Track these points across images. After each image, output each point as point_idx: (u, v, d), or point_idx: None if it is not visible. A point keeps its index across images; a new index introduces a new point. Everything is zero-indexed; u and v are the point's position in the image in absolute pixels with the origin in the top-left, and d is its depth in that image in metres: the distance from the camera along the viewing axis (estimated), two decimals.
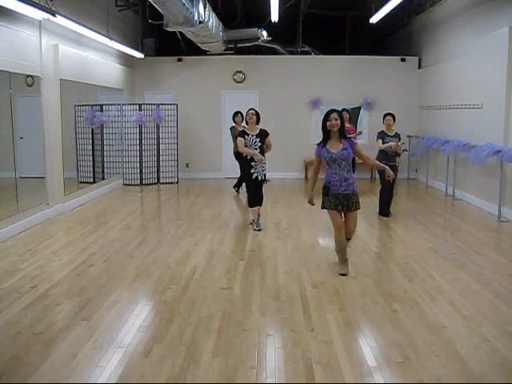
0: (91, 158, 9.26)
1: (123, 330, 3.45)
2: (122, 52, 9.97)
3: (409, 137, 10.80)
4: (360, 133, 10.28)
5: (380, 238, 6.36)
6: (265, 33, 10.71)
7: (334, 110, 4.58)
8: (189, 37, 9.06)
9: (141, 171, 10.34)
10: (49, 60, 7.06)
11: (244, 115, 7.20)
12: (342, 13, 11.58)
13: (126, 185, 10.31)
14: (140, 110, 10.20)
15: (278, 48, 11.59)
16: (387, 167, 4.89)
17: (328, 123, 4.53)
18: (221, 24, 9.84)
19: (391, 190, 7.28)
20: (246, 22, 11.23)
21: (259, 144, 6.32)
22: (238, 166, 8.41)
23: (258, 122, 6.50)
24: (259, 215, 6.62)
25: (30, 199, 6.69)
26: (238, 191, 9.27)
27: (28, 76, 6.74)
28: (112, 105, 9.98)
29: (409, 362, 3.00)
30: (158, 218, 7.68)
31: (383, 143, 7.03)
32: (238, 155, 8.09)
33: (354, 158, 4.85)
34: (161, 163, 10.59)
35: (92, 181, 9.12)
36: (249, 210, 6.83)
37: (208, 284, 4.40)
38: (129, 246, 5.65)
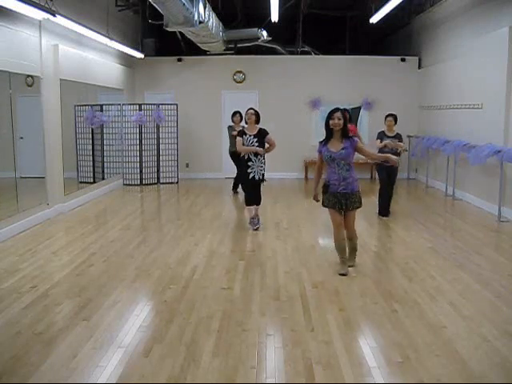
0: (91, 158, 9.26)
1: (123, 330, 3.46)
2: (122, 52, 9.97)
3: (409, 137, 10.80)
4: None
5: (380, 237, 6.36)
6: (265, 33, 10.71)
7: (338, 109, 4.57)
8: (189, 37, 9.06)
9: (141, 171, 10.35)
10: (49, 60, 7.06)
11: (243, 115, 7.22)
12: (342, 13, 11.58)
13: (126, 185, 10.31)
14: (140, 109, 10.20)
15: (278, 48, 11.59)
16: (388, 154, 4.84)
17: (331, 122, 4.53)
18: (221, 24, 9.84)
19: (391, 189, 7.29)
20: (246, 22, 11.23)
21: (256, 144, 6.31)
22: (235, 165, 8.60)
23: (257, 121, 6.49)
24: (258, 215, 6.61)
25: (29, 199, 6.69)
26: (236, 192, 9.27)
27: (28, 76, 6.74)
28: (112, 105, 9.98)
29: (409, 362, 3.00)
30: (157, 218, 7.68)
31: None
32: (234, 155, 8.29)
33: None
34: (161, 163, 10.59)
35: (92, 181, 9.12)
36: (245, 208, 6.79)
37: (208, 284, 4.40)
38: (129, 246, 5.65)
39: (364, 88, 11.18)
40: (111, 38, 8.42)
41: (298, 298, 4.06)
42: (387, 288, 4.29)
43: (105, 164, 9.90)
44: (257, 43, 11.03)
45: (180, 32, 9.74)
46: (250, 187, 6.53)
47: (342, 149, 4.52)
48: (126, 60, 10.73)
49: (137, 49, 10.27)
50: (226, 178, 10.80)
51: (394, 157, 4.90)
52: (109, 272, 4.74)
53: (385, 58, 11.33)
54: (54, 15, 6.03)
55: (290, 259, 5.17)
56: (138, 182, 10.33)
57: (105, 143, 9.91)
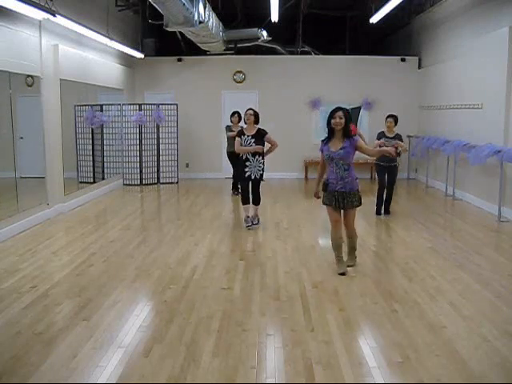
0: (91, 158, 9.26)
1: (123, 330, 3.46)
2: (122, 52, 9.98)
3: (409, 137, 10.80)
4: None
5: (380, 237, 6.36)
6: (265, 33, 10.71)
7: (339, 109, 4.59)
8: (189, 37, 9.06)
9: (141, 171, 10.34)
10: (49, 60, 7.06)
11: (242, 115, 7.26)
12: (342, 13, 11.58)
13: (126, 185, 10.31)
14: (140, 110, 10.20)
15: (278, 48, 11.59)
16: (384, 148, 4.81)
17: (332, 121, 4.54)
18: (221, 24, 9.84)
19: (391, 189, 7.31)
20: (246, 22, 11.23)
21: (253, 145, 6.34)
22: (231, 165, 8.80)
23: (256, 122, 6.52)
24: (258, 215, 6.66)
25: (29, 199, 6.69)
26: (236, 192, 9.25)
27: (28, 76, 6.74)
28: (112, 105, 9.98)
29: (409, 362, 3.00)
30: (157, 218, 7.68)
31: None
32: (232, 155, 8.33)
33: None
34: (161, 163, 10.59)
35: (92, 181, 9.12)
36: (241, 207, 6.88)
37: (208, 284, 4.40)
38: (129, 246, 5.65)
39: (364, 88, 11.18)
40: (111, 38, 8.42)
41: (297, 298, 4.06)
42: (387, 288, 4.29)
43: (105, 164, 9.90)
44: (257, 43, 11.04)
45: (180, 32, 9.74)
46: (246, 186, 6.56)
47: (341, 148, 4.54)
48: (126, 60, 10.73)
49: (137, 49, 10.27)
50: (226, 177, 10.79)
51: (389, 148, 4.88)
52: (109, 272, 4.74)
53: (385, 58, 11.33)
54: (54, 15, 6.03)
55: (290, 259, 5.17)
56: (138, 182, 10.33)
57: (105, 143, 9.91)
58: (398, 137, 7.16)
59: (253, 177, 6.44)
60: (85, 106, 8.88)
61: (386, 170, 7.29)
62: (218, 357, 3.07)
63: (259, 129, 6.47)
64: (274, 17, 9.08)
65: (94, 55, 8.90)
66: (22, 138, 6.71)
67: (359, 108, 11.42)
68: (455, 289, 4.27)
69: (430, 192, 9.59)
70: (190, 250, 5.49)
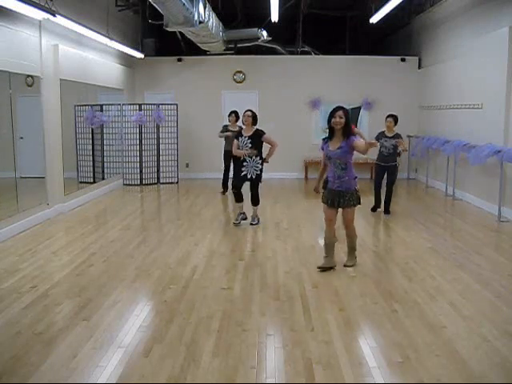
0: (91, 158, 9.26)
1: (123, 330, 3.45)
2: (122, 52, 9.98)
3: (409, 137, 10.80)
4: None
5: (380, 237, 6.36)
6: (265, 33, 10.71)
7: (340, 108, 4.61)
8: (189, 37, 9.06)
9: (141, 171, 10.34)
10: (49, 60, 7.06)
11: (240, 115, 7.36)
12: (342, 13, 11.58)
13: (126, 185, 10.31)
14: (140, 110, 10.20)
15: (278, 48, 11.59)
16: (369, 141, 4.70)
17: (332, 120, 4.57)
18: (221, 24, 9.84)
19: (390, 189, 7.33)
20: (246, 22, 11.23)
21: (249, 146, 6.43)
22: (224, 163, 9.01)
23: (254, 123, 6.59)
24: (257, 215, 6.75)
25: (30, 199, 6.69)
26: (224, 191, 9.28)
27: (28, 76, 6.74)
28: (112, 105, 9.98)
29: (409, 362, 3.00)
30: (157, 218, 7.68)
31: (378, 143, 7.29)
32: (227, 154, 8.66)
33: None
34: (161, 163, 10.59)
35: (92, 181, 9.12)
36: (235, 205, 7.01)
37: (208, 284, 4.40)
38: (129, 246, 5.65)
39: (364, 88, 11.18)
40: (111, 38, 8.42)
41: (297, 298, 4.06)
42: (387, 288, 4.29)
43: (105, 164, 9.90)
44: (257, 43, 11.03)
45: (180, 32, 9.74)
46: (239, 185, 6.66)
47: (338, 148, 4.58)
48: (126, 60, 10.73)
49: (137, 49, 10.27)
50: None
51: (372, 141, 4.75)
52: (109, 272, 4.74)
53: (385, 58, 11.33)
54: (54, 15, 6.03)
55: (290, 259, 5.17)
56: (138, 182, 10.33)
57: (105, 143, 9.91)
58: (398, 136, 7.19)
59: (249, 176, 6.52)
60: (85, 106, 8.88)
61: (385, 169, 7.32)
62: (218, 357, 3.07)
63: (257, 129, 6.54)
64: (274, 17, 9.08)
65: (94, 55, 8.90)
66: (22, 138, 6.71)
67: (359, 108, 11.43)
68: (455, 289, 4.27)
69: (429, 192, 9.59)
70: (189, 250, 5.49)
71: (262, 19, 10.28)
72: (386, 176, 7.40)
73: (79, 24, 7.04)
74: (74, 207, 7.81)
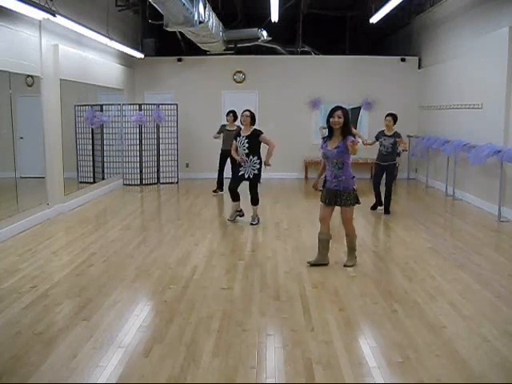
0: (91, 158, 9.26)
1: (123, 330, 3.45)
2: (122, 52, 9.97)
3: (409, 137, 10.80)
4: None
5: (379, 237, 6.36)
6: (265, 33, 10.71)
7: (339, 108, 4.65)
8: (189, 37, 9.06)
9: (141, 171, 10.34)
10: (49, 60, 7.05)
11: (238, 115, 7.45)
12: (342, 13, 11.58)
13: (126, 185, 10.31)
14: (140, 110, 10.20)
15: (278, 48, 11.59)
16: (353, 141, 4.62)
17: (331, 120, 4.62)
18: (221, 24, 9.84)
19: (389, 188, 7.34)
20: (246, 22, 11.23)
21: (246, 145, 6.50)
22: (218, 163, 9.12)
23: (252, 123, 6.66)
24: (257, 215, 6.78)
25: (30, 199, 6.69)
26: (217, 190, 9.32)
27: (28, 76, 6.74)
28: (112, 105, 9.98)
29: (409, 362, 3.00)
30: (157, 218, 7.68)
31: (375, 142, 7.47)
32: (223, 153, 8.88)
33: None
34: (161, 163, 10.59)
35: (92, 181, 9.12)
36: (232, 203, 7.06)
37: (208, 284, 4.40)
38: (129, 246, 5.65)
39: (364, 88, 11.18)
40: (111, 38, 8.41)
41: (297, 298, 4.06)
42: (387, 288, 4.29)
43: (105, 164, 9.90)
44: (257, 43, 11.03)
45: (180, 32, 9.74)
46: (236, 184, 6.74)
47: (336, 148, 4.62)
48: (126, 60, 10.73)
49: (137, 49, 10.27)
50: (226, 177, 10.79)
51: (356, 140, 4.69)
52: (109, 272, 4.74)
53: (385, 58, 11.32)
54: (54, 15, 6.03)
55: (290, 259, 5.17)
56: (138, 182, 10.33)
57: (105, 143, 9.91)
58: (397, 135, 7.22)
59: (246, 176, 6.59)
60: (85, 106, 8.88)
61: (384, 168, 7.36)
62: (218, 357, 3.07)
63: (255, 129, 6.62)
64: (274, 17, 9.08)
65: (94, 55, 8.90)
66: (22, 138, 6.71)
67: (359, 108, 11.43)
68: (455, 289, 4.27)
69: (429, 192, 9.59)
70: (189, 250, 5.49)
71: (262, 19, 10.28)
72: (385, 175, 7.42)
73: (79, 24, 7.04)
74: (74, 207, 7.81)
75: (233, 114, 8.90)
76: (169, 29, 7.79)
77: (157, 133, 10.49)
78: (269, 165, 6.61)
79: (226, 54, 11.17)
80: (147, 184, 10.38)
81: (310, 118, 11.37)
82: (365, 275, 4.64)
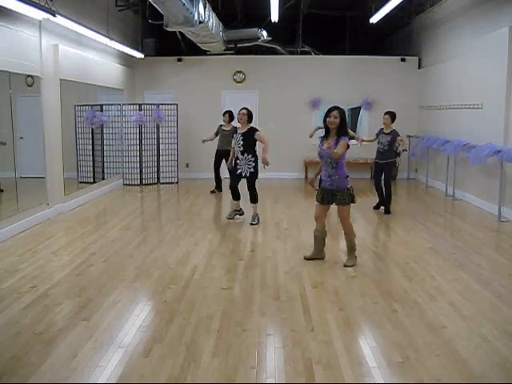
0: (91, 158, 9.26)
1: (123, 330, 3.45)
2: (122, 52, 9.97)
3: (409, 137, 10.81)
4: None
5: (380, 237, 6.36)
6: (265, 33, 10.71)
7: (335, 108, 4.71)
8: (189, 37, 9.06)
9: (141, 171, 10.34)
10: (49, 60, 7.05)
11: (235, 115, 7.56)
12: (342, 13, 11.58)
13: (126, 185, 10.31)
14: (140, 110, 10.20)
15: (278, 48, 11.58)
16: (329, 146, 4.61)
17: (327, 120, 4.70)
18: (221, 24, 9.84)
19: (387, 188, 7.36)
20: (246, 22, 11.23)
21: (241, 142, 6.56)
22: (214, 163, 9.22)
23: (249, 121, 6.71)
24: (257, 214, 6.80)
25: (30, 199, 6.69)
26: (214, 190, 9.35)
27: (28, 76, 6.74)
28: (112, 105, 9.98)
29: (409, 362, 3.00)
30: (157, 218, 7.68)
31: (376, 139, 7.55)
32: (218, 153, 9.05)
33: None
34: (161, 163, 10.59)
35: (92, 181, 9.12)
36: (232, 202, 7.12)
37: (208, 284, 4.40)
38: (129, 246, 5.65)
39: (364, 88, 11.18)
40: (111, 38, 8.41)
41: (297, 298, 4.06)
42: (387, 288, 4.29)
43: (105, 164, 9.90)
44: (257, 43, 11.03)
45: (180, 32, 9.74)
46: (234, 183, 6.82)
47: (329, 147, 4.63)
48: (126, 60, 10.73)
49: (137, 49, 10.27)
50: (225, 177, 10.79)
51: (331, 146, 4.63)
52: (109, 272, 4.74)
53: (385, 58, 11.33)
54: (54, 15, 6.03)
55: (290, 259, 5.17)
56: (138, 182, 10.33)
57: (105, 143, 9.91)
58: (395, 133, 7.23)
59: (243, 174, 6.63)
60: (85, 106, 8.88)
61: (382, 166, 7.41)
62: (218, 357, 3.07)
63: (251, 127, 6.66)
64: (274, 17, 9.08)
65: (94, 55, 8.90)
66: (22, 138, 6.71)
67: (359, 108, 11.43)
68: (455, 289, 4.27)
69: (429, 192, 9.59)
70: (189, 250, 5.49)
71: (262, 19, 10.28)
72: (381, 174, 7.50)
73: (79, 24, 7.04)
74: (74, 207, 7.81)
75: (229, 115, 8.96)
76: (169, 29, 7.79)
77: (157, 133, 10.49)
78: (267, 163, 6.50)
79: (226, 53, 11.17)
80: (147, 184, 10.38)
81: (309, 118, 11.36)
82: (365, 275, 4.64)
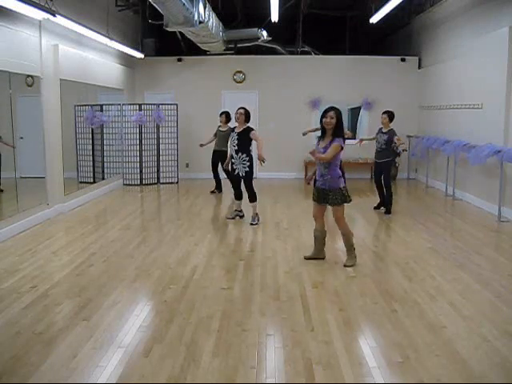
0: (91, 158, 9.26)
1: (123, 330, 3.45)
2: (122, 52, 9.97)
3: (409, 137, 10.81)
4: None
5: (380, 237, 6.36)
6: (265, 33, 10.71)
7: (332, 108, 4.77)
8: (189, 37, 9.06)
9: (141, 171, 10.34)
10: (49, 60, 7.05)
11: (231, 115, 7.63)
12: (342, 13, 11.58)
13: (126, 185, 10.31)
14: (140, 110, 10.20)
15: (278, 48, 11.58)
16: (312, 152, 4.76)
17: (324, 120, 4.75)
18: (221, 24, 9.84)
19: (386, 188, 7.37)
20: (246, 22, 11.23)
21: (236, 142, 6.61)
22: (211, 163, 9.22)
23: (247, 120, 6.72)
24: (256, 213, 6.81)
25: (30, 199, 6.69)
26: (214, 191, 9.38)
27: (28, 76, 6.74)
28: (112, 105, 9.98)
29: (409, 362, 3.00)
30: (157, 218, 7.68)
31: (375, 138, 7.58)
32: (215, 154, 9.06)
33: None
34: (161, 163, 10.59)
35: (92, 181, 9.12)
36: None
37: (208, 284, 4.40)
38: (129, 246, 5.65)
39: (364, 88, 11.18)
40: (111, 38, 8.41)
41: (297, 298, 4.06)
42: (387, 288, 4.29)
43: (105, 164, 9.90)
44: (257, 43, 11.03)
45: (180, 32, 9.74)
46: (233, 182, 6.98)
47: (324, 147, 4.74)
48: (126, 60, 10.73)
49: (137, 49, 10.27)
50: (225, 178, 10.79)
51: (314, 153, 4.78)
52: (109, 272, 4.74)
53: (385, 58, 11.32)
54: (54, 15, 6.03)
55: (290, 259, 5.17)
56: (138, 182, 10.33)
57: (105, 143, 9.91)
58: (392, 132, 7.25)
59: (241, 174, 6.67)
60: (85, 106, 8.88)
61: (379, 166, 7.44)
62: (218, 357, 3.07)
63: (247, 127, 6.68)
64: (274, 17, 9.07)
65: (94, 55, 8.90)
66: (22, 137, 6.71)
67: (359, 108, 11.43)
68: (455, 289, 4.27)
69: (430, 192, 9.59)
70: (189, 250, 5.49)
71: (262, 19, 10.28)
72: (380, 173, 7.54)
73: (79, 24, 7.04)
74: (74, 207, 7.82)
75: (225, 115, 8.99)
76: (169, 29, 7.79)
77: (157, 133, 10.49)
78: (263, 159, 6.45)
79: (226, 53, 11.17)
80: (147, 184, 10.38)
81: (309, 118, 11.36)
82: (365, 275, 4.64)
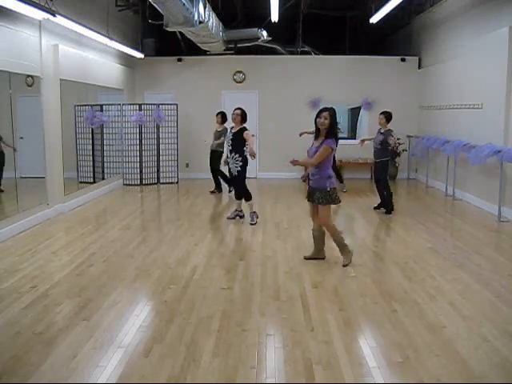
0: (91, 158, 9.26)
1: (123, 330, 3.46)
2: (122, 52, 9.97)
3: (409, 137, 10.81)
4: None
5: (380, 237, 6.36)
6: (265, 33, 10.71)
7: (326, 109, 4.80)
8: (189, 37, 9.06)
9: (141, 171, 10.34)
10: (49, 60, 7.06)
11: (228, 115, 7.85)
12: (342, 13, 11.58)
13: (126, 185, 10.31)
14: (140, 110, 10.20)
15: (278, 48, 11.59)
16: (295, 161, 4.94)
17: (318, 120, 4.78)
18: (221, 24, 9.84)
19: (384, 188, 7.39)
20: (246, 22, 11.23)
21: (230, 142, 6.71)
22: (209, 163, 9.24)
23: (243, 121, 6.76)
24: (254, 213, 6.85)
25: (30, 199, 6.69)
26: (214, 191, 9.40)
27: (28, 76, 6.74)
28: (112, 105, 9.98)
29: (409, 362, 3.00)
30: (157, 218, 7.68)
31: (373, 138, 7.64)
32: (213, 154, 9.15)
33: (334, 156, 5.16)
34: (161, 163, 10.59)
35: (92, 181, 9.12)
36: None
37: (208, 284, 4.40)
38: (129, 246, 5.65)
39: (364, 88, 11.18)
40: (111, 38, 8.41)
41: (297, 298, 4.06)
42: (387, 288, 4.29)
43: (105, 164, 9.90)
44: (257, 43, 11.03)
45: (180, 32, 9.74)
46: (232, 182, 7.18)
47: (316, 147, 4.78)
48: (126, 60, 10.73)
49: (137, 49, 10.27)
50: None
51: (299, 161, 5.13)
52: (109, 272, 4.74)
53: (385, 58, 11.32)
54: (54, 15, 6.03)
55: (290, 259, 5.17)
56: (138, 182, 10.33)
57: (105, 143, 9.91)
58: (387, 132, 7.27)
59: (233, 173, 6.79)
60: (85, 106, 8.88)
61: (376, 165, 7.51)
62: (218, 357, 3.07)
63: (243, 127, 6.72)
64: (274, 17, 9.07)
65: (94, 55, 8.90)
66: (22, 137, 6.71)
67: (359, 108, 11.43)
68: (455, 289, 4.27)
69: (430, 192, 9.59)
70: (189, 250, 5.49)
71: (262, 19, 10.28)
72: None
73: (79, 24, 7.04)
74: (74, 207, 7.82)
75: (221, 115, 9.03)
76: (169, 29, 7.80)
77: (157, 133, 10.49)
78: (254, 155, 6.45)
79: (226, 53, 11.17)
80: (147, 184, 10.38)
81: (310, 118, 11.29)
82: (365, 275, 4.64)
